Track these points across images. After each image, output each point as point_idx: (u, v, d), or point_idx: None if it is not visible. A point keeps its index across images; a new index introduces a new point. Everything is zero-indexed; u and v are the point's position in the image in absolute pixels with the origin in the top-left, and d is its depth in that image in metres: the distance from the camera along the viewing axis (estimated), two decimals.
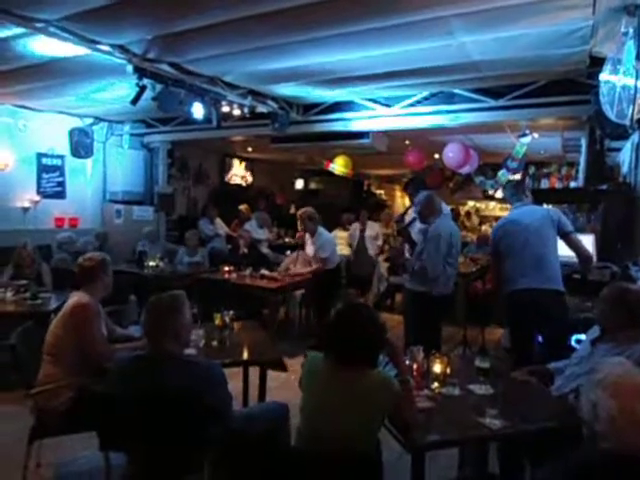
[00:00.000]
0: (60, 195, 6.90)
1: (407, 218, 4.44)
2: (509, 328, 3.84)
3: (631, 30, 2.59)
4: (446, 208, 4.66)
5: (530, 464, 2.26)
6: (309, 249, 5.44)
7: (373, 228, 7.31)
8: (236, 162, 10.54)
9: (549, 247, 3.30)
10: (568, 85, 4.54)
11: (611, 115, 2.84)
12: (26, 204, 6.46)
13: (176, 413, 1.88)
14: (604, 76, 2.93)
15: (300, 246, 6.22)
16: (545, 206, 3.74)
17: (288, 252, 7.04)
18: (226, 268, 5.71)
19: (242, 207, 8.55)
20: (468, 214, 12.34)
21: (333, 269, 5.24)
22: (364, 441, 1.84)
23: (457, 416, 2.05)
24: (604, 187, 4.47)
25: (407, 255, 4.16)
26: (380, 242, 7.34)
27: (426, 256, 3.63)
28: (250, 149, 9.49)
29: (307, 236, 5.37)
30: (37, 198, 6.57)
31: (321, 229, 5.24)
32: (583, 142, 5.22)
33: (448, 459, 2.55)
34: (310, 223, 5.19)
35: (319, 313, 5.42)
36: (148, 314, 2.07)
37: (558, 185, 7.65)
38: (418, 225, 4.17)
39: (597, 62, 3.59)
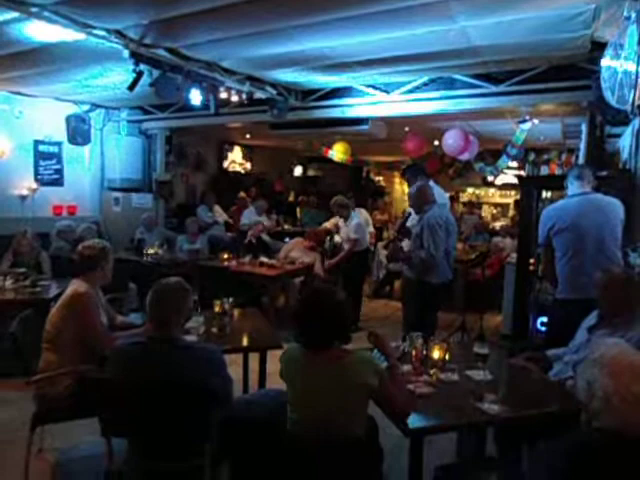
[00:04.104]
0: (58, 183, 6.87)
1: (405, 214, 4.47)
2: (549, 330, 3.42)
3: (633, 14, 2.55)
4: (444, 197, 4.66)
5: (528, 447, 2.29)
6: (342, 232, 5.94)
7: (362, 214, 7.03)
8: (234, 149, 10.49)
9: (619, 251, 2.97)
10: (569, 70, 4.49)
11: (612, 101, 2.81)
12: (24, 192, 6.43)
13: (178, 398, 1.89)
14: (605, 61, 2.89)
15: (299, 233, 6.31)
16: (613, 198, 3.13)
17: (287, 239, 7.05)
18: (225, 255, 5.73)
19: (242, 194, 8.57)
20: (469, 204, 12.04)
21: (363, 251, 5.83)
22: (353, 421, 1.85)
23: (456, 401, 2.07)
24: (604, 173, 4.45)
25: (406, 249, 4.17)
26: (372, 228, 7.26)
27: (427, 244, 3.62)
28: (248, 136, 9.44)
29: (341, 221, 5.95)
30: (35, 186, 6.54)
31: (354, 214, 5.84)
32: (583, 128, 5.19)
33: (446, 443, 2.58)
34: (342, 209, 5.77)
35: (351, 294, 5.50)
36: (161, 298, 2.06)
37: (558, 171, 7.63)
38: (415, 217, 4.17)
39: (598, 47, 3.56)
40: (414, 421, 1.89)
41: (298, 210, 10.42)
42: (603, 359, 1.38)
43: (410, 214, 4.22)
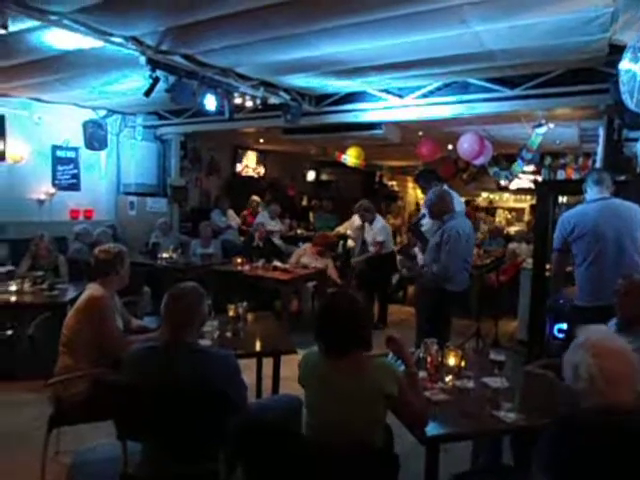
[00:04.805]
0: (75, 187, 6.96)
1: (419, 215, 4.46)
2: (567, 337, 3.37)
3: None
4: (460, 204, 4.62)
5: None
6: (368, 235, 5.96)
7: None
8: (248, 154, 10.55)
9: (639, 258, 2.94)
10: (586, 74, 4.44)
11: (631, 104, 2.78)
12: (42, 196, 6.53)
13: (192, 403, 1.90)
14: (624, 64, 2.86)
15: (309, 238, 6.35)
16: (632, 204, 3.09)
17: (300, 243, 7.06)
18: (239, 260, 5.75)
19: (255, 197, 8.63)
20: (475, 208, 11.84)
21: (388, 253, 5.97)
22: (371, 429, 1.83)
23: (472, 409, 2.05)
24: (622, 178, 4.38)
25: (417, 251, 4.13)
26: None
27: (444, 258, 3.56)
28: (262, 141, 9.48)
29: (366, 225, 5.98)
30: (52, 190, 6.64)
31: (378, 217, 5.99)
32: (601, 132, 5.12)
33: (462, 450, 2.55)
34: (367, 213, 5.88)
35: (376, 295, 5.97)
36: (178, 305, 2.07)
37: (575, 176, 7.53)
38: (429, 221, 4.13)
39: (617, 50, 3.51)
40: (430, 428, 1.87)
41: (311, 214, 10.44)
42: (588, 342, 1.47)
43: (424, 215, 4.19)
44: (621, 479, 1.32)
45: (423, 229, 4.16)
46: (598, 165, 5.20)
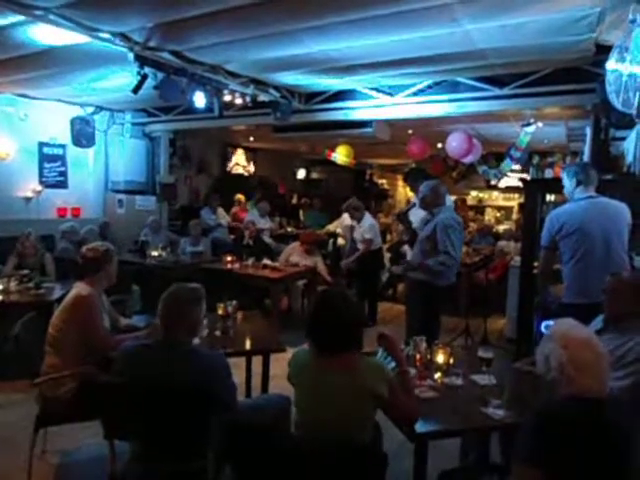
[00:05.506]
0: (62, 185, 6.89)
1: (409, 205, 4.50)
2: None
3: (639, 17, 2.54)
4: (449, 199, 4.66)
5: None
6: (356, 234, 6.01)
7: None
8: (238, 152, 10.51)
9: (626, 255, 2.97)
10: (573, 73, 4.49)
11: (617, 104, 2.79)
12: (28, 194, 6.45)
13: (182, 402, 1.89)
14: (610, 64, 2.88)
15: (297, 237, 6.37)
16: (620, 202, 3.13)
17: (290, 242, 7.04)
18: (228, 258, 5.73)
19: (239, 196, 8.65)
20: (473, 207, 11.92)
21: (377, 250, 6.05)
22: (359, 427, 1.83)
23: (460, 406, 2.06)
24: (609, 177, 4.43)
25: (407, 249, 4.14)
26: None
27: (444, 246, 3.53)
28: (252, 138, 9.45)
29: (354, 223, 6.04)
30: (39, 188, 6.56)
31: (367, 215, 6.05)
32: (588, 131, 5.18)
33: (450, 447, 2.56)
34: (355, 212, 5.97)
35: (366, 292, 5.99)
36: (170, 304, 2.05)
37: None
38: (419, 213, 4.15)
39: (603, 50, 3.55)
40: (419, 425, 1.88)
41: (301, 213, 10.43)
42: (557, 333, 1.55)
43: (414, 205, 4.21)
44: (596, 468, 1.36)
45: (413, 226, 4.17)
46: None
